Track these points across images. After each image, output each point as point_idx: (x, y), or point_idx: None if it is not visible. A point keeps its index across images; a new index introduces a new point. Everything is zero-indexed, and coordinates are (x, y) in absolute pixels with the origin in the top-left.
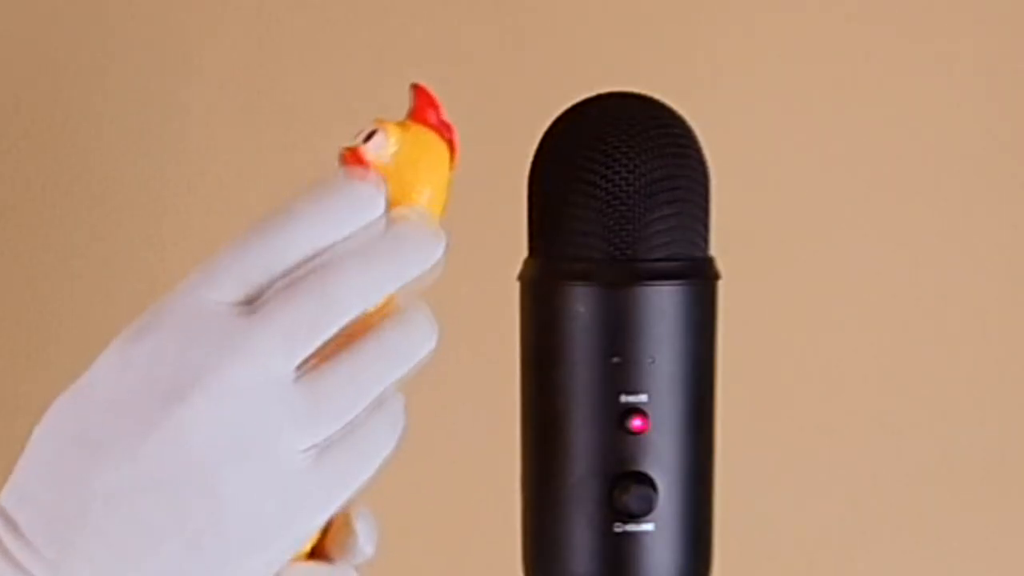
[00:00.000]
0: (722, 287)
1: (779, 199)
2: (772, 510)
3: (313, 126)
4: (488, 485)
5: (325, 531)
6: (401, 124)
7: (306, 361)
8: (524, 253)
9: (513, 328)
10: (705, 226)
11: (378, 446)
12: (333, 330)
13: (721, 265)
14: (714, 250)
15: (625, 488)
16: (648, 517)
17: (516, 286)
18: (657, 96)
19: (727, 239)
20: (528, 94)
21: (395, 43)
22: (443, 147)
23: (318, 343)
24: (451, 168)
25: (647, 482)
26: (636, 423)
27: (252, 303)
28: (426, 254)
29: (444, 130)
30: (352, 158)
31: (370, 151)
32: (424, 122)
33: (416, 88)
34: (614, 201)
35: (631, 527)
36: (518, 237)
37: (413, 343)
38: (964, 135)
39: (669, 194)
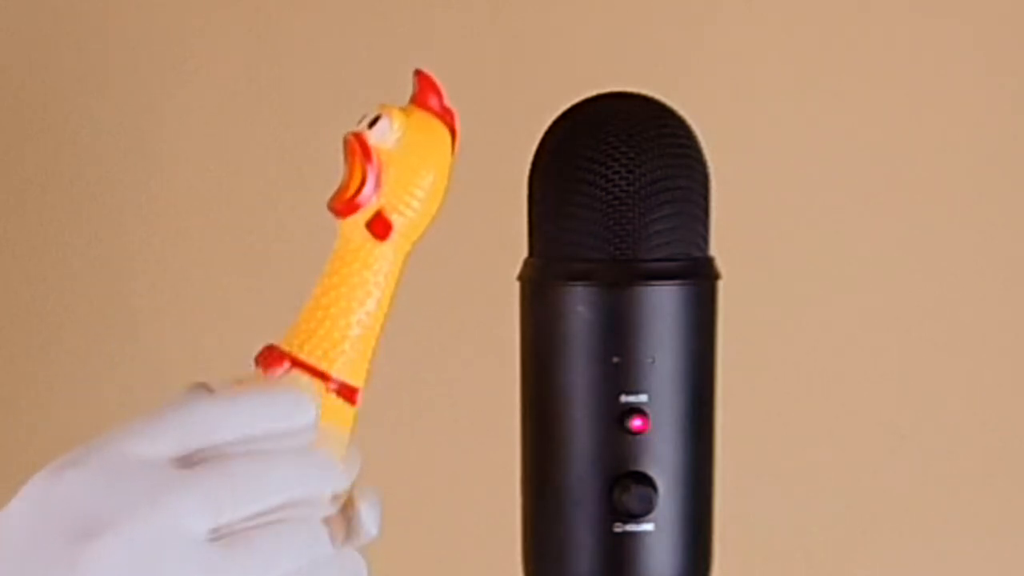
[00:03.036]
0: (722, 287)
1: (779, 199)
2: (772, 510)
3: (312, 126)
4: (488, 485)
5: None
6: (404, 109)
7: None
8: (524, 253)
9: (513, 328)
10: (705, 226)
11: None
12: (257, 508)
13: (721, 265)
14: (714, 250)
15: (625, 488)
16: (648, 517)
17: (516, 286)
18: (657, 96)
19: (727, 239)
20: (528, 94)
21: (395, 43)
22: (445, 132)
23: (240, 515)
24: (452, 153)
25: (647, 482)
26: (636, 423)
27: (183, 464)
28: (349, 473)
29: (446, 115)
30: (357, 143)
31: (374, 136)
32: (427, 107)
33: (419, 74)
34: (614, 201)
35: (631, 527)
36: (518, 237)
37: (318, 537)
38: (965, 135)
39: (669, 194)
